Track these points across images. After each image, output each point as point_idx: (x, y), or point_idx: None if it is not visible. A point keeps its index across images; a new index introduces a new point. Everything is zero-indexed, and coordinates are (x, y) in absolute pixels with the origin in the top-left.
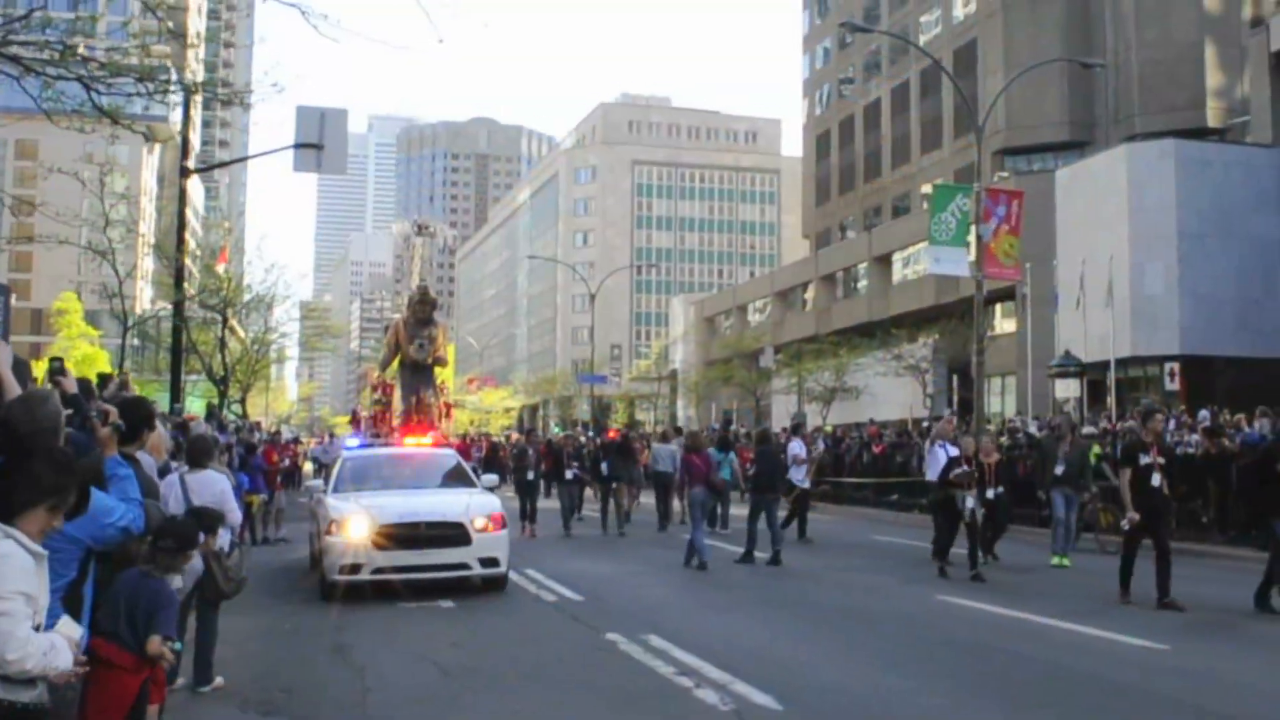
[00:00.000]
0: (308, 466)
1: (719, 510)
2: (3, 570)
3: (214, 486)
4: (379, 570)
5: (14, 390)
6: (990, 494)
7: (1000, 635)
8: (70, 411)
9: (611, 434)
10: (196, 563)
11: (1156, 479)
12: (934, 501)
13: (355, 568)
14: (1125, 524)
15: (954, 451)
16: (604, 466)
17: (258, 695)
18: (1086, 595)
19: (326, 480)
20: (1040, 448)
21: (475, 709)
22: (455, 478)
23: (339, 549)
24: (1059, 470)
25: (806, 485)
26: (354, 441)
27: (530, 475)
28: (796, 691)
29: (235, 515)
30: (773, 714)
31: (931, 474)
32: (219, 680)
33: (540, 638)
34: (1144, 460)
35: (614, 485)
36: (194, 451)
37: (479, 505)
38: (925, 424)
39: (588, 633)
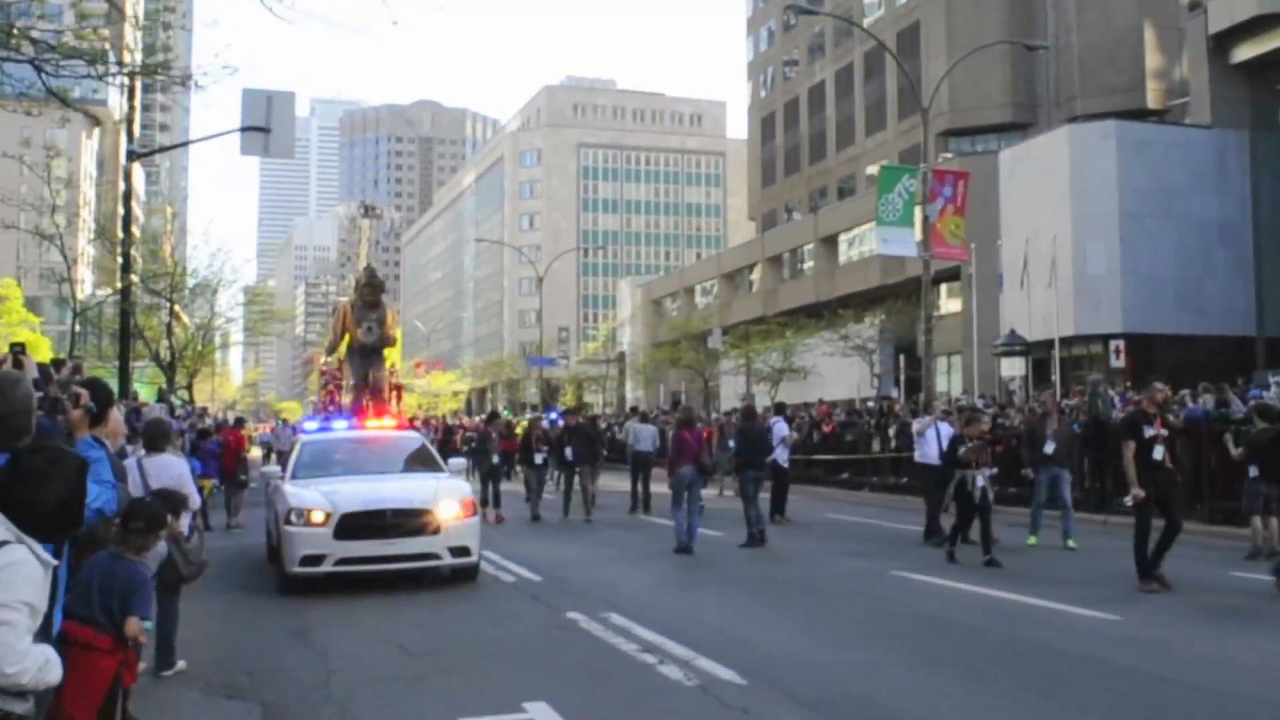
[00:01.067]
0: (255, 452)
1: (643, 490)
2: (10, 578)
3: (172, 470)
4: (343, 561)
5: None
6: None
7: (959, 610)
8: (59, 398)
9: (572, 418)
10: (161, 546)
11: (1160, 452)
12: (935, 482)
13: (317, 559)
14: (1129, 501)
15: (947, 431)
16: (568, 451)
17: (220, 678)
18: (1050, 571)
19: (284, 466)
20: (1028, 427)
21: (440, 688)
22: (421, 462)
23: (299, 540)
24: (1049, 449)
25: (785, 464)
26: (312, 424)
27: (495, 459)
28: (760, 666)
29: (195, 499)
30: (737, 688)
31: (924, 455)
32: (181, 664)
33: (500, 618)
34: (1148, 433)
35: (577, 470)
36: (151, 435)
37: (447, 490)
38: (870, 403)
39: (548, 612)
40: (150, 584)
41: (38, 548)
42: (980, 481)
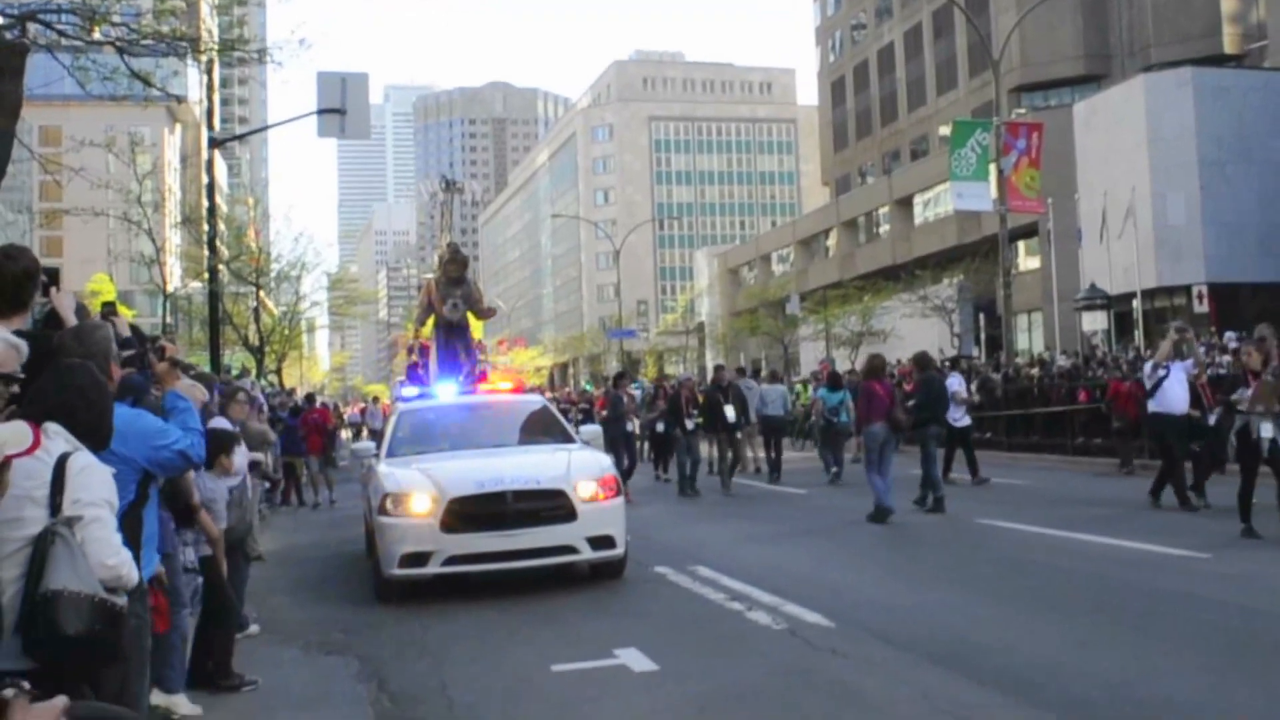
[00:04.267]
0: (345, 433)
1: (775, 456)
2: (89, 479)
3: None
4: (453, 560)
5: None
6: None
7: (1045, 553)
8: (130, 353)
9: (720, 375)
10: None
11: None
12: (1178, 435)
13: (420, 558)
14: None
15: (1182, 371)
16: (728, 411)
17: (318, 637)
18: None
19: (378, 442)
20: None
21: (532, 639)
22: (546, 431)
23: (397, 534)
24: None
25: (967, 423)
26: (412, 390)
27: (630, 426)
28: (846, 610)
29: (238, 464)
30: (825, 630)
31: (1162, 404)
32: (254, 628)
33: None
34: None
35: (738, 434)
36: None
37: (583, 465)
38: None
39: (636, 567)
40: (169, 523)
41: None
42: (1268, 430)
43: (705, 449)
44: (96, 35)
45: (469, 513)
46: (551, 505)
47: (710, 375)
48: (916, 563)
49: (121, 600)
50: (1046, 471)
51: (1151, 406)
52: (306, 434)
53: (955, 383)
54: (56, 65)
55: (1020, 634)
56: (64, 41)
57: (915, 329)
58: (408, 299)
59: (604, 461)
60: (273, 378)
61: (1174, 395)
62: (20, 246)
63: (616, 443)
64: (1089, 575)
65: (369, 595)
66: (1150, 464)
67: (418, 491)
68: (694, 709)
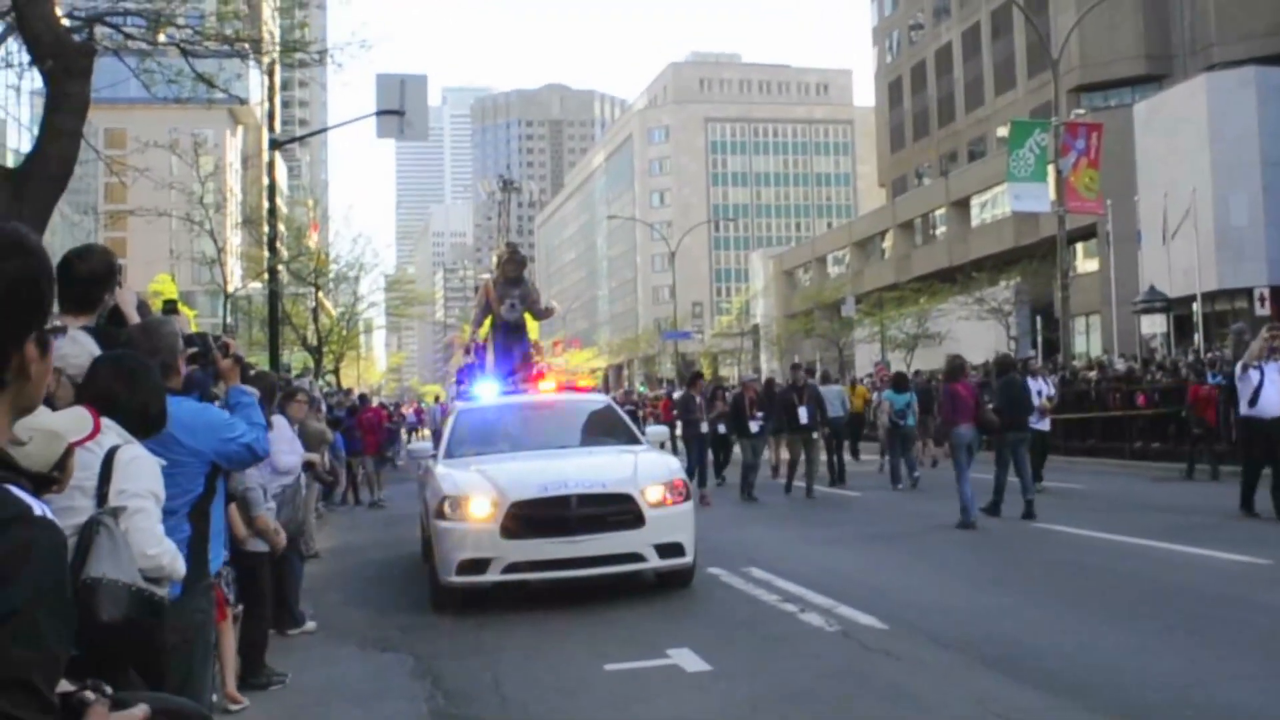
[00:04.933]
0: (404, 434)
1: (837, 460)
2: (135, 470)
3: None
4: (514, 567)
5: None
6: None
7: (1099, 556)
8: (194, 350)
9: (798, 374)
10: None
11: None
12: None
13: (479, 565)
14: None
15: (1277, 372)
16: (802, 413)
17: (374, 634)
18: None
19: (436, 443)
20: None
21: (586, 639)
22: (610, 431)
23: (455, 539)
24: None
25: (1046, 428)
26: (478, 388)
27: (703, 428)
28: (899, 612)
29: (282, 459)
30: (878, 633)
31: (1255, 408)
32: (310, 625)
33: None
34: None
35: (814, 436)
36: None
37: (651, 468)
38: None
39: None
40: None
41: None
42: None
43: (767, 452)
44: (161, 38)
45: (531, 517)
46: (618, 510)
47: (764, 377)
48: (971, 566)
49: (163, 591)
50: (1106, 476)
51: (1244, 410)
52: (363, 434)
53: (1040, 386)
54: (121, 68)
55: (1076, 638)
56: (130, 44)
57: (971, 331)
58: (464, 300)
59: (672, 464)
60: (330, 378)
61: (1269, 398)
62: (97, 247)
63: (690, 445)
64: (1147, 580)
65: (424, 593)
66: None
67: (477, 494)
68: (746, 709)
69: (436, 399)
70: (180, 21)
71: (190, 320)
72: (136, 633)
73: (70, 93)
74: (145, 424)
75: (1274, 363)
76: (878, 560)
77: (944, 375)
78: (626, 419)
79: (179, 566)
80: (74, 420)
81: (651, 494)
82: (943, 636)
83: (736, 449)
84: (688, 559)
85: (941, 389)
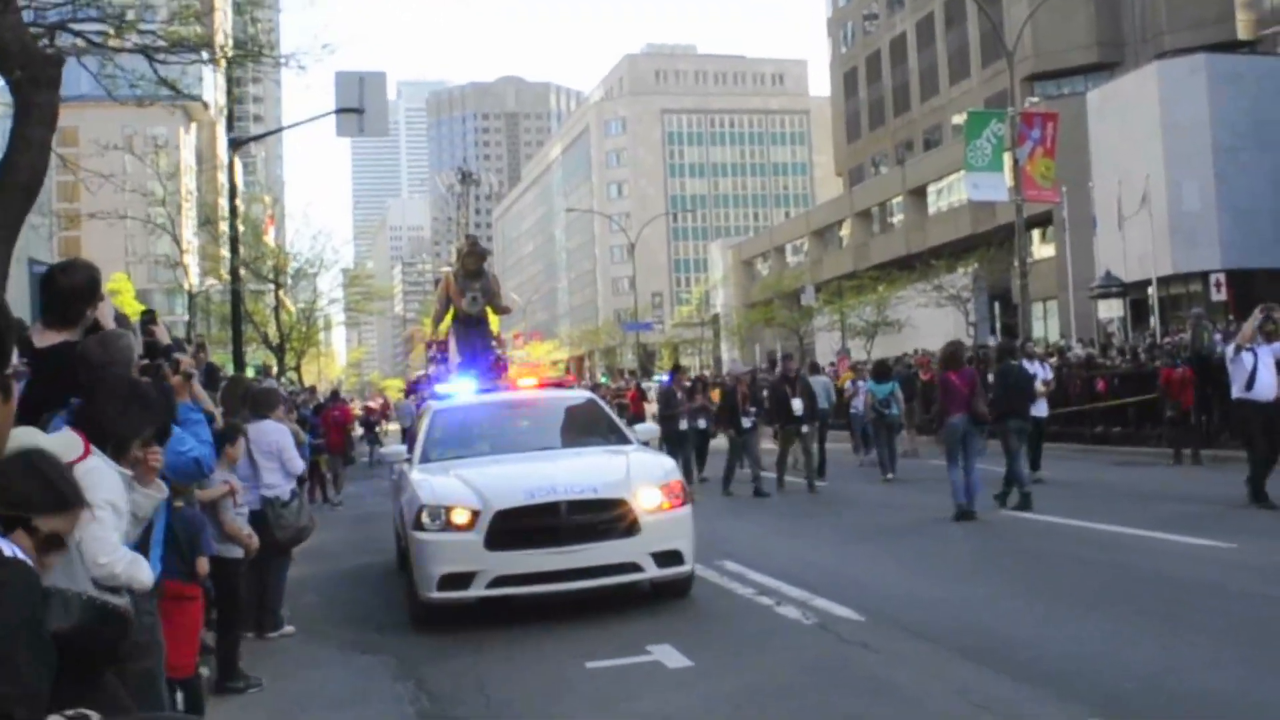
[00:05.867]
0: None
1: (889, 452)
2: (96, 480)
3: (271, 435)
4: (500, 581)
5: None
6: None
7: (1071, 544)
8: (160, 363)
9: (790, 365)
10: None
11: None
12: (1270, 423)
13: (462, 579)
14: None
15: (1270, 354)
16: (796, 405)
17: (354, 636)
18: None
19: (409, 445)
20: None
21: (568, 636)
22: (596, 430)
23: (436, 552)
24: None
25: (1044, 414)
26: (446, 387)
27: (683, 424)
28: (876, 604)
29: (296, 464)
30: (855, 624)
31: (1249, 390)
32: (289, 628)
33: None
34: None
35: (804, 429)
36: (257, 402)
37: (645, 470)
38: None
39: None
40: (206, 524)
41: (108, 460)
42: None
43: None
44: (123, 43)
45: (518, 527)
46: (611, 517)
47: (727, 366)
48: (944, 556)
49: (120, 600)
50: (1070, 462)
51: (1237, 393)
52: (327, 431)
53: (1040, 371)
54: (75, 66)
55: (1050, 627)
56: (91, 48)
57: (930, 319)
58: (423, 294)
59: (667, 464)
60: (292, 374)
61: (1264, 381)
62: (80, 262)
63: (670, 444)
64: (1116, 566)
65: (402, 596)
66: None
67: (458, 504)
68: (730, 705)
69: (409, 393)
70: (142, 26)
71: (168, 331)
72: (98, 642)
73: (39, 103)
74: (101, 434)
75: (1266, 345)
76: (850, 550)
77: (940, 363)
78: (614, 416)
79: (137, 573)
80: (64, 443)
81: (646, 498)
82: (920, 628)
83: (716, 443)
84: (687, 567)
85: (936, 377)
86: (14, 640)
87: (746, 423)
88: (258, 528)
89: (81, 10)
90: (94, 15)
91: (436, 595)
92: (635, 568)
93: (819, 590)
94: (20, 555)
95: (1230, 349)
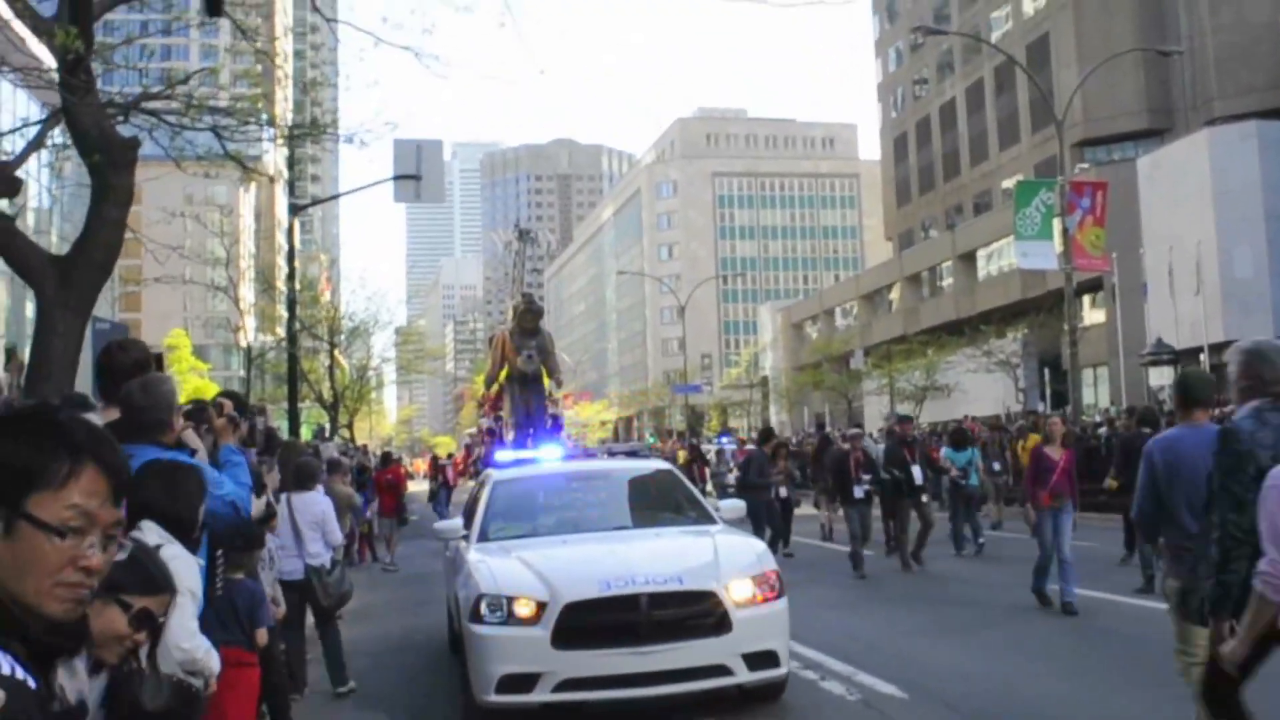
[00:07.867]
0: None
1: (967, 525)
2: (174, 570)
3: (315, 507)
4: (568, 685)
5: None
6: None
7: (1116, 620)
8: (189, 408)
9: (905, 427)
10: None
11: None
12: None
13: (525, 682)
14: None
15: None
16: (915, 473)
17: (405, 701)
18: None
19: (467, 520)
20: None
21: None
22: (676, 506)
23: (496, 649)
24: None
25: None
26: (507, 454)
27: (773, 494)
28: (919, 679)
29: (336, 535)
30: (899, 702)
31: None
32: (351, 683)
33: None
34: None
35: (923, 499)
36: (300, 475)
37: (735, 556)
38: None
39: None
40: (266, 598)
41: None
42: None
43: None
44: (194, 121)
45: (590, 623)
46: (698, 611)
47: (825, 431)
48: (990, 630)
49: (198, 683)
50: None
51: None
52: (380, 494)
53: None
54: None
55: (1098, 708)
56: (162, 125)
57: (980, 384)
58: (474, 352)
59: (758, 549)
60: (345, 433)
61: None
62: (133, 341)
63: (759, 516)
64: (1167, 647)
65: (430, 650)
66: None
67: (522, 595)
68: None
69: (468, 450)
70: (211, 103)
71: (211, 391)
72: None
73: (116, 185)
74: (180, 528)
75: None
76: (894, 625)
77: (1043, 437)
78: (694, 490)
79: (212, 662)
80: (149, 530)
81: (738, 590)
82: (963, 706)
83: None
84: (782, 670)
85: (1034, 451)
86: None
87: (858, 492)
88: (304, 595)
89: (152, 88)
90: (165, 94)
91: (495, 699)
92: (725, 671)
93: (864, 665)
94: (19, 673)
95: None
